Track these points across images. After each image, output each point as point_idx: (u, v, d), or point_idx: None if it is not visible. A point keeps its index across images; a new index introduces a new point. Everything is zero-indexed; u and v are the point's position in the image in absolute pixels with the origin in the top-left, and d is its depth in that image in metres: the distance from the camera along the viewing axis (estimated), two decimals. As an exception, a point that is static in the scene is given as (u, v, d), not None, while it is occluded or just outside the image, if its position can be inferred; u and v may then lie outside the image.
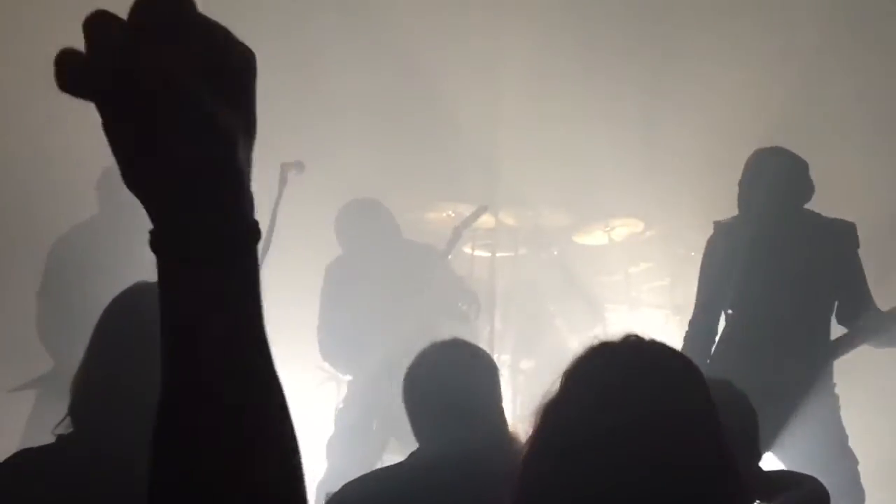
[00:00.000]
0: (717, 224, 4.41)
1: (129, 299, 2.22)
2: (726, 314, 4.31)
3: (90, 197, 5.22)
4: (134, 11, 0.71)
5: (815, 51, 6.50)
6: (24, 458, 2.12)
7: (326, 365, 5.70)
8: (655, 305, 6.88)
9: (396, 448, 4.71)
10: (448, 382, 2.64)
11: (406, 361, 2.85)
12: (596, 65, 6.92)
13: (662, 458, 1.42)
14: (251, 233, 0.78)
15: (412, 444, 2.69)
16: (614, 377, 1.50)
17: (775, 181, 4.23)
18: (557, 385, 1.53)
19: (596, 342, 1.57)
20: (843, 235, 4.23)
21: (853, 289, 4.23)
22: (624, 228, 6.96)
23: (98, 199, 5.17)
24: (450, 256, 5.74)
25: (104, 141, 0.74)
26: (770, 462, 4.03)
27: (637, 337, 1.56)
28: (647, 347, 1.54)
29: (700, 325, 4.28)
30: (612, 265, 7.03)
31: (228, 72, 0.74)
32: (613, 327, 6.87)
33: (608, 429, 1.43)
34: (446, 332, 5.12)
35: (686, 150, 6.83)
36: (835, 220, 4.27)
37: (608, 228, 6.93)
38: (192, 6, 0.73)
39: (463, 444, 2.49)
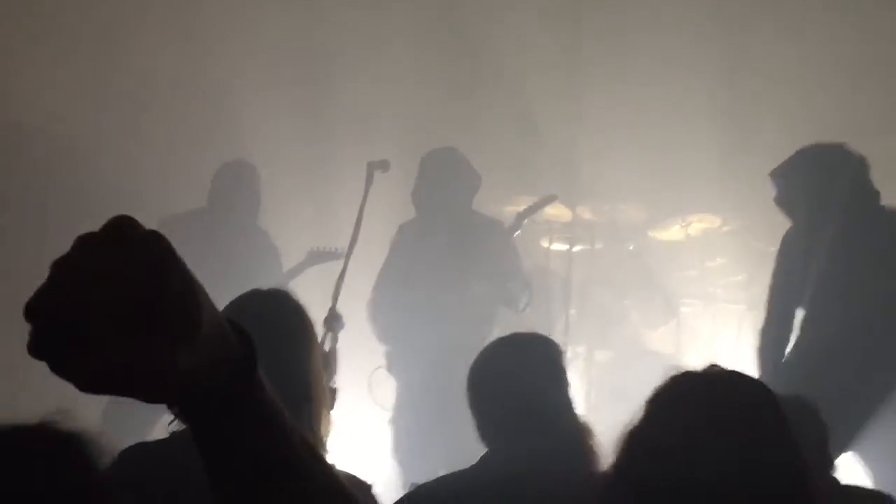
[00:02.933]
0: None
1: (251, 301, 2.35)
2: (801, 313, 4.24)
3: (188, 188, 5.43)
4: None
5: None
6: (141, 452, 2.27)
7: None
8: (731, 301, 6.90)
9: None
10: (514, 383, 2.55)
11: (459, 357, 2.80)
12: (675, 60, 6.93)
13: (744, 492, 1.46)
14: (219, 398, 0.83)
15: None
16: (697, 410, 1.52)
17: (851, 177, 4.16)
18: (641, 414, 1.56)
19: (678, 372, 1.60)
20: None
21: None
22: (700, 224, 6.98)
23: (210, 190, 5.34)
24: (515, 235, 5.60)
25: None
26: (852, 463, 4.05)
27: (719, 368, 1.59)
28: (729, 379, 1.58)
29: (775, 324, 4.21)
30: (688, 260, 7.06)
31: (155, 307, 0.75)
32: (688, 322, 6.92)
33: (691, 461, 1.47)
34: (503, 319, 5.20)
35: (763, 146, 6.80)
36: None
37: (685, 224, 6.95)
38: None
39: (535, 451, 2.43)
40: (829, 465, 2.74)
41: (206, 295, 0.79)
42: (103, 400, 4.89)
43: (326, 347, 4.35)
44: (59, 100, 6.08)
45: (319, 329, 4.36)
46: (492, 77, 7.02)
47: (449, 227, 5.20)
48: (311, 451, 0.90)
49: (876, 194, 4.20)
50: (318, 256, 5.50)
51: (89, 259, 0.73)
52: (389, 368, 5.31)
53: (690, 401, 1.55)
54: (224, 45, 6.35)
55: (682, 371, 1.59)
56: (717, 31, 6.90)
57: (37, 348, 0.72)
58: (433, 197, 5.24)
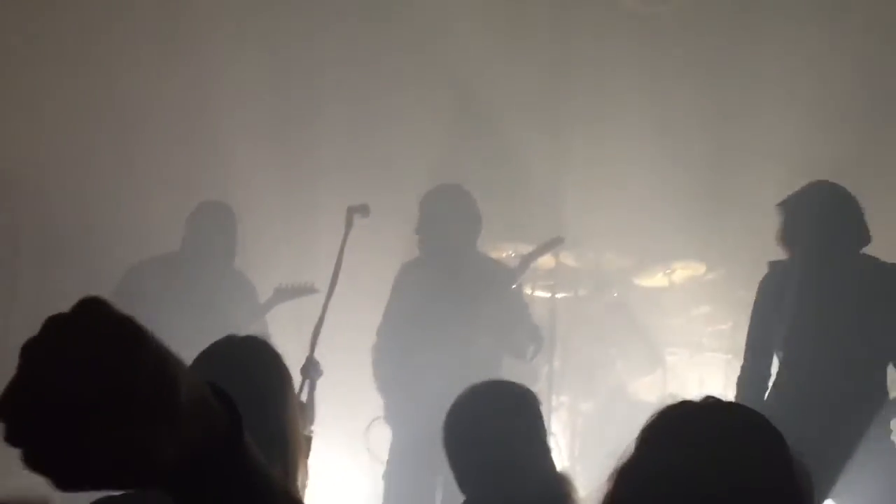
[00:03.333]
0: (772, 264, 4.32)
1: (225, 348, 2.30)
2: (778, 357, 4.22)
3: (165, 231, 5.33)
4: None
5: (883, 98, 6.45)
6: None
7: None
8: (717, 349, 6.83)
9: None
10: (489, 430, 2.54)
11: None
12: (660, 107, 6.93)
13: None
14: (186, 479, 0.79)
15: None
16: (694, 441, 1.46)
17: (831, 222, 4.15)
18: (633, 447, 1.49)
19: (674, 402, 1.53)
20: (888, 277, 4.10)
21: None
22: (685, 271, 6.93)
23: (185, 231, 5.25)
24: (515, 286, 5.38)
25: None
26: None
27: (717, 399, 1.52)
28: (728, 410, 1.52)
29: (751, 369, 4.19)
30: (673, 308, 6.99)
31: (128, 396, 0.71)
32: (674, 371, 6.84)
33: (687, 492, 1.41)
34: (505, 368, 5.07)
35: (748, 193, 6.79)
36: (893, 264, 4.15)
37: (669, 271, 6.90)
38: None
39: (510, 498, 2.41)
40: None
41: (183, 369, 0.77)
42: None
43: (304, 395, 4.27)
44: (35, 143, 6.01)
45: (297, 377, 4.29)
46: (475, 124, 6.99)
47: (455, 270, 5.06)
48: None
49: (858, 238, 4.16)
50: (286, 293, 5.38)
51: (60, 344, 0.71)
52: (387, 419, 5.16)
53: (687, 430, 1.48)
54: (205, 87, 6.30)
55: (678, 401, 1.52)
56: (701, 80, 6.92)
57: (11, 442, 0.70)
58: (438, 237, 5.09)
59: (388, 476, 5.05)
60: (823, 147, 6.42)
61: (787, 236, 4.29)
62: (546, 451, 2.61)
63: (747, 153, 6.84)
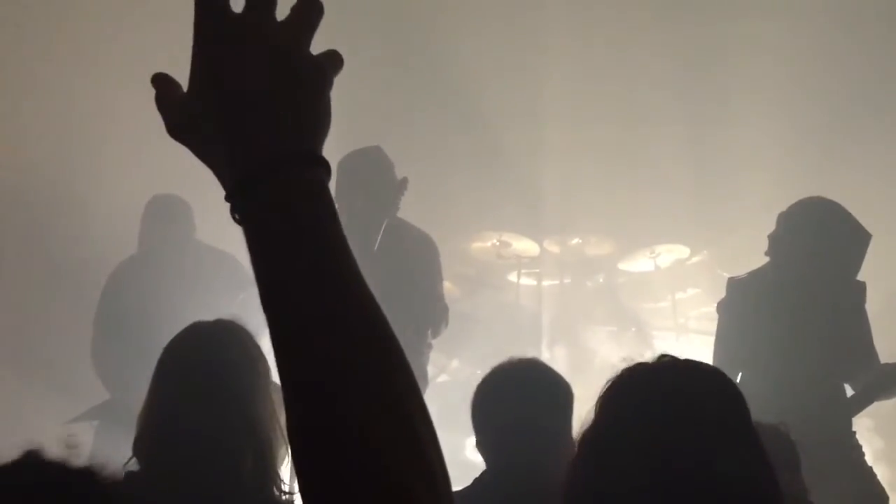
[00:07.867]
0: (731, 282, 4.19)
1: (188, 339, 2.25)
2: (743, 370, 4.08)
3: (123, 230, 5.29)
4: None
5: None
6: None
7: None
8: (703, 332, 6.81)
9: None
10: (524, 401, 2.56)
11: None
12: (641, 91, 6.92)
13: (704, 476, 1.39)
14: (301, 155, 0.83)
15: None
16: (651, 399, 1.47)
17: (816, 243, 3.97)
18: (593, 412, 1.50)
19: (629, 364, 1.53)
20: (854, 293, 4.03)
21: (860, 346, 4.03)
22: (669, 254, 6.92)
23: (139, 232, 5.19)
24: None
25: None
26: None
27: (671, 357, 1.53)
28: (682, 367, 1.51)
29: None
30: (658, 291, 6.99)
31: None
32: (662, 355, 6.83)
33: (648, 452, 1.41)
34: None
35: (731, 175, 6.80)
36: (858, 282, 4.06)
37: (654, 255, 6.89)
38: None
39: (534, 472, 2.42)
40: (804, 490, 2.67)
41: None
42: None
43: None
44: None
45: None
46: (456, 112, 6.96)
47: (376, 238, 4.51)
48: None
49: (850, 264, 4.03)
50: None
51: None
52: None
53: (640, 391, 1.49)
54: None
55: (633, 364, 1.53)
56: (686, 66, 6.90)
57: None
58: (360, 203, 4.49)
59: None
60: (805, 129, 6.42)
61: (774, 246, 4.18)
62: (572, 440, 2.62)
63: (729, 135, 6.84)
